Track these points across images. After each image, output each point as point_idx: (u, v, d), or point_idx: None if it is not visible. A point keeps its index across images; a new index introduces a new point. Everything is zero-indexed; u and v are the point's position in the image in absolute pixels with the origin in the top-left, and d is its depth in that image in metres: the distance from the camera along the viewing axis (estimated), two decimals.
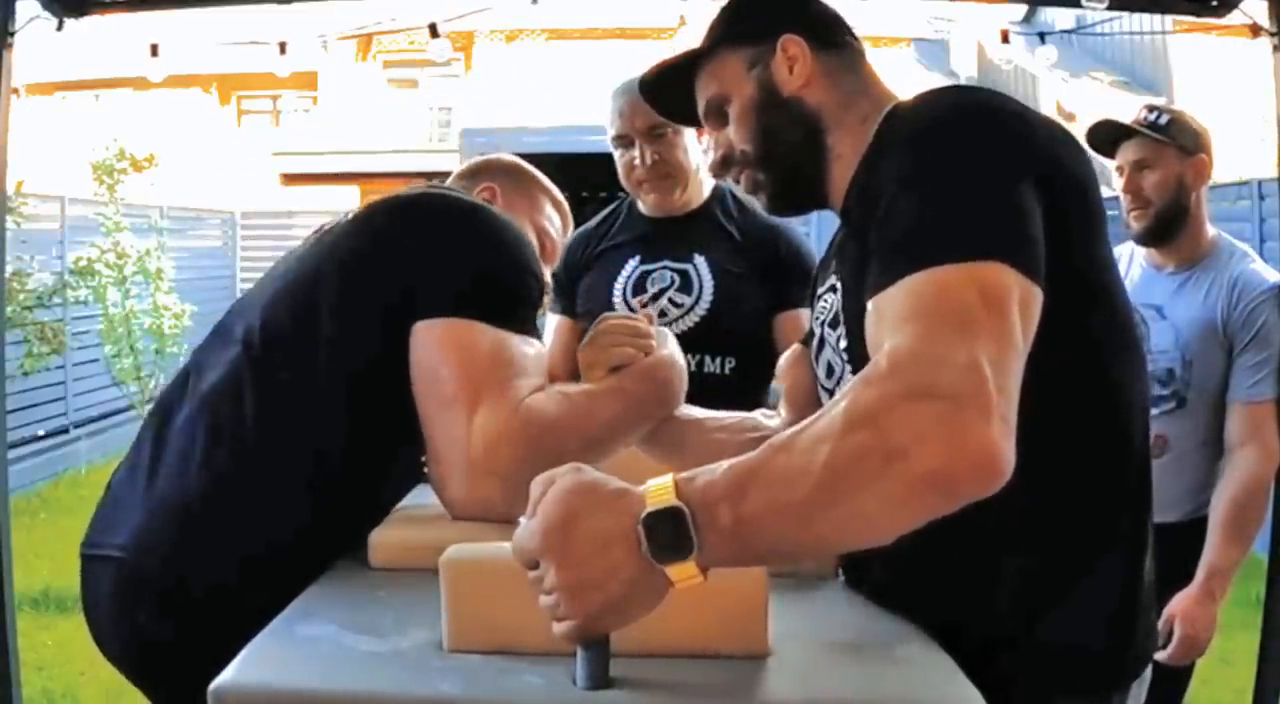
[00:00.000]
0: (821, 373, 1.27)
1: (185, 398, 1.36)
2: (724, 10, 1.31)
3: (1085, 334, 1.09)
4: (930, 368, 0.86)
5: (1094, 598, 1.12)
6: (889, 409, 0.84)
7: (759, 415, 1.47)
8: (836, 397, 0.89)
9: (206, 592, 1.25)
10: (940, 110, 1.10)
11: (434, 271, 1.31)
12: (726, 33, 1.28)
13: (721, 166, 1.30)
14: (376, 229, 1.38)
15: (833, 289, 1.24)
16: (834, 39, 1.26)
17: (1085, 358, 1.09)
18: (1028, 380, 0.91)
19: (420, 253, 1.32)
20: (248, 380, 1.31)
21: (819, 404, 1.29)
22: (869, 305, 1.01)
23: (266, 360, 1.32)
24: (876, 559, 1.00)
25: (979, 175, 1.00)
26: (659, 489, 0.85)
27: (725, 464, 0.87)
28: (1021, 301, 0.93)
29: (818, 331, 1.29)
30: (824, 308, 1.27)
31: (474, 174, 1.67)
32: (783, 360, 1.42)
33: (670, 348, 1.44)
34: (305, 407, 1.30)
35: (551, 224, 1.67)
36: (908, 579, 1.09)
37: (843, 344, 1.18)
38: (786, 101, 1.23)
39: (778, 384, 1.44)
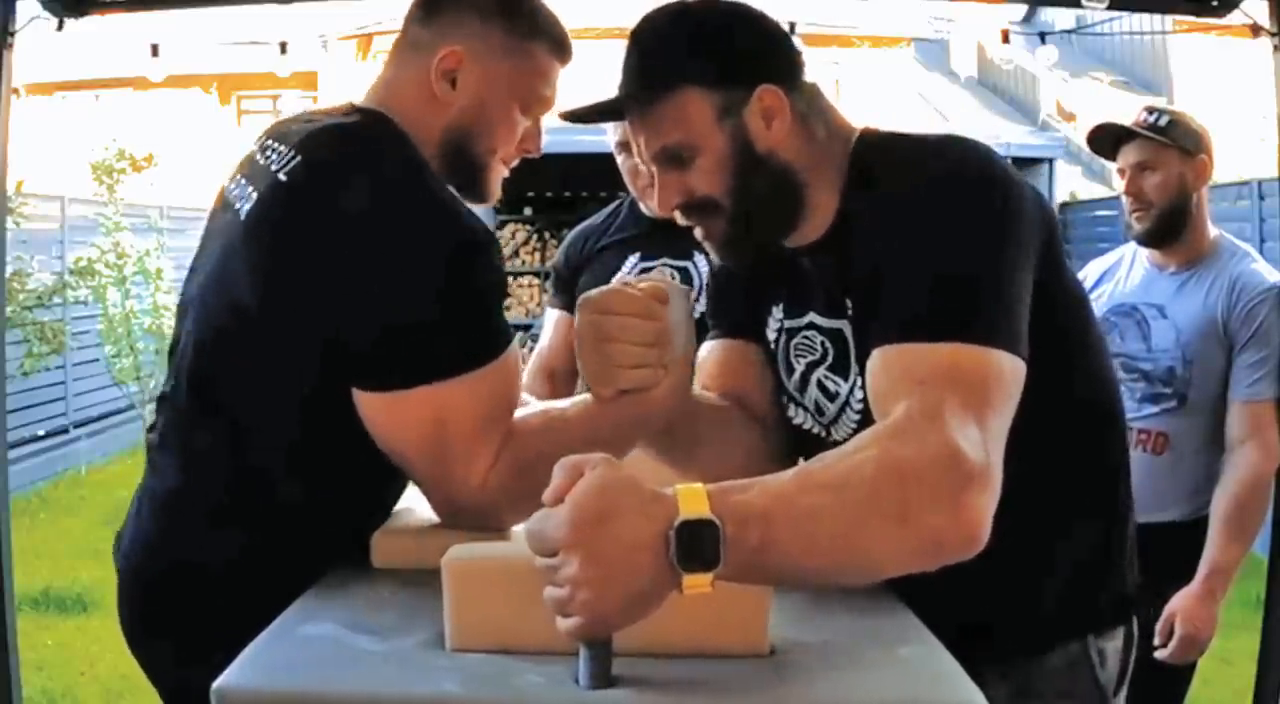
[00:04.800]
0: (811, 406, 1.30)
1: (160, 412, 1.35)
2: (682, 45, 1.20)
3: (1058, 337, 1.20)
4: (953, 436, 0.94)
5: (1069, 555, 1.28)
6: (917, 469, 0.92)
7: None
8: (865, 440, 0.95)
9: (186, 608, 1.23)
10: (960, 171, 1.14)
11: (374, 331, 1.14)
12: (689, 72, 1.18)
13: (684, 213, 1.24)
14: (295, 273, 1.16)
15: (816, 329, 1.27)
16: (801, 80, 1.23)
17: (1061, 364, 1.21)
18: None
19: (355, 306, 1.13)
20: (178, 431, 1.28)
21: (772, 414, 1.35)
22: (876, 352, 1.08)
23: (192, 421, 1.26)
24: None
25: (1001, 258, 1.09)
26: (691, 497, 0.86)
27: (755, 484, 0.89)
28: (1016, 384, 1.05)
29: (798, 367, 1.30)
30: (806, 346, 1.29)
31: (433, 22, 1.30)
32: (713, 368, 1.37)
33: (677, 345, 1.24)
34: (237, 463, 1.23)
35: (545, 80, 1.33)
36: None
37: (858, 394, 1.23)
38: (762, 158, 1.19)
39: (714, 394, 1.36)
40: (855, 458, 0.92)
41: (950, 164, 1.15)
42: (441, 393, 1.14)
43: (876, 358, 1.07)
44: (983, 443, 0.95)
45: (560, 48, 1.34)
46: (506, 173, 1.37)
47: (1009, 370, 1.04)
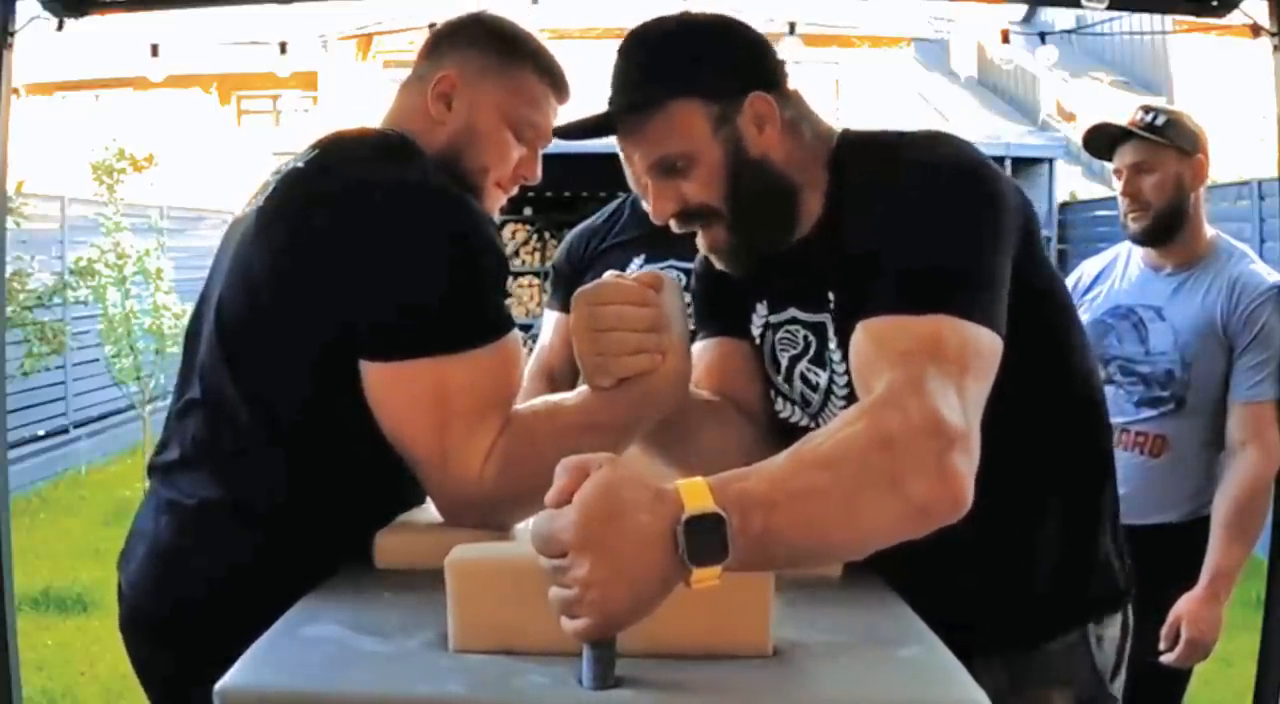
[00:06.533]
0: (797, 398, 1.33)
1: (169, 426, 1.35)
2: (674, 58, 1.24)
3: (1040, 324, 1.24)
4: (935, 404, 0.97)
5: (1043, 549, 1.31)
6: (903, 439, 0.94)
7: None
8: (851, 415, 0.98)
9: (194, 624, 1.23)
10: (940, 159, 1.18)
11: (382, 303, 1.18)
12: (684, 84, 1.22)
13: (681, 221, 1.26)
14: (308, 250, 1.21)
15: (798, 323, 1.30)
16: (786, 86, 1.27)
17: (1042, 352, 1.25)
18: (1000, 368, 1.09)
19: (364, 280, 1.18)
20: (185, 432, 1.29)
21: (765, 411, 1.37)
22: (860, 326, 1.10)
23: (204, 416, 1.27)
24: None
25: (981, 238, 1.13)
26: (694, 492, 0.86)
27: (752, 472, 0.90)
28: (993, 356, 1.09)
29: (783, 361, 1.33)
30: (789, 340, 1.32)
31: (434, 53, 1.41)
32: (705, 368, 1.37)
33: (675, 332, 1.24)
34: (243, 461, 1.24)
35: (536, 107, 1.40)
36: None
37: (840, 380, 1.27)
38: (756, 162, 1.23)
39: (708, 392, 1.36)
40: (843, 433, 0.95)
41: (931, 153, 1.20)
42: (442, 367, 1.17)
43: (860, 331, 1.11)
44: (962, 410, 0.99)
45: (551, 76, 1.41)
46: (504, 199, 1.42)
47: (987, 342, 1.08)
